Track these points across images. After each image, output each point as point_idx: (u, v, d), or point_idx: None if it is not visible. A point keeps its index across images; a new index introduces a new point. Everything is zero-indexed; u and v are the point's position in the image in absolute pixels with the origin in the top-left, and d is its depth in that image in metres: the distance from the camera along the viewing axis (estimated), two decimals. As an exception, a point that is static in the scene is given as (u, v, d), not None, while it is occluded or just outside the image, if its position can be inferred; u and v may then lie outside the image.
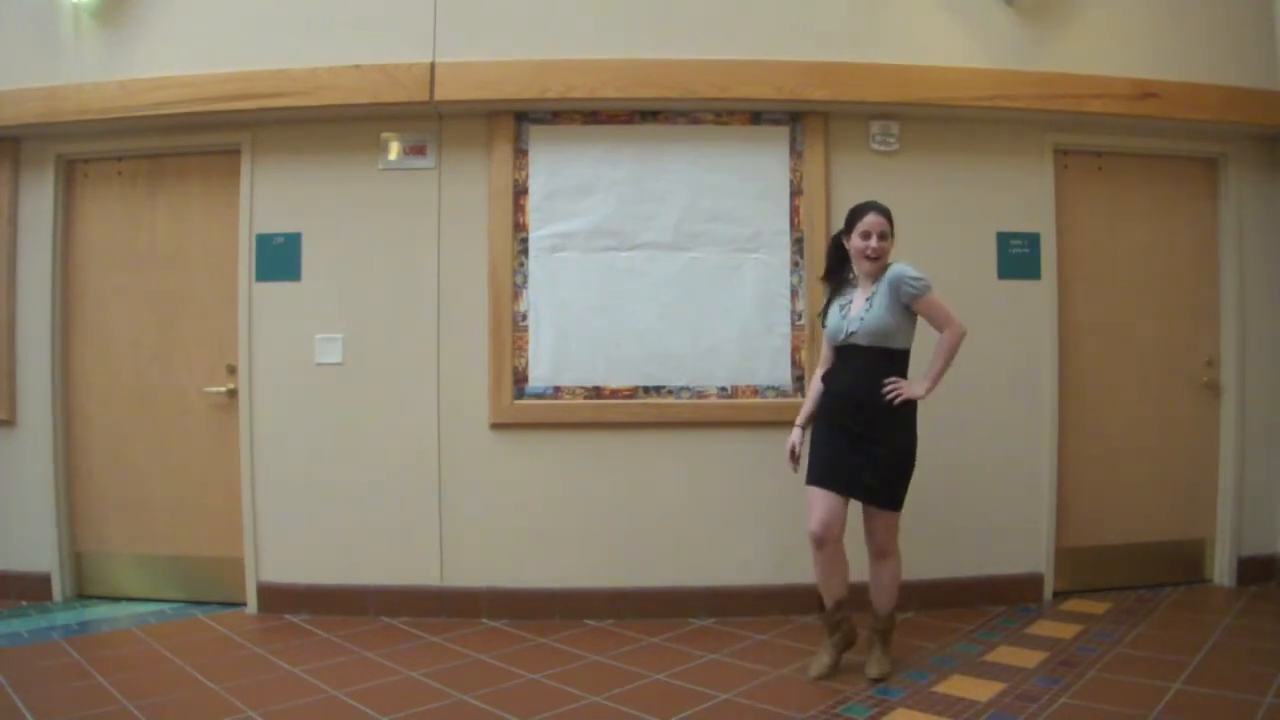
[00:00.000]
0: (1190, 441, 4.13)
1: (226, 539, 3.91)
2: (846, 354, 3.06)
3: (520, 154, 3.83)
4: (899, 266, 3.00)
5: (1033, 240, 3.93)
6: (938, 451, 3.83)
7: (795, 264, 3.84)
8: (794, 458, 3.20)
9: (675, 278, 3.82)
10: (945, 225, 3.88)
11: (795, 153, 3.85)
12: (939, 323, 2.99)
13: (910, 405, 3.00)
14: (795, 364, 3.83)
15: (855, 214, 3.07)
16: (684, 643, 3.44)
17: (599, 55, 3.68)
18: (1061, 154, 4.03)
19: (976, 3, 3.85)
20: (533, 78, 3.65)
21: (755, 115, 3.85)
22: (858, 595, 3.13)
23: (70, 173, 4.06)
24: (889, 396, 2.95)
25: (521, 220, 3.83)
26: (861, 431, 2.99)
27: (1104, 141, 4.04)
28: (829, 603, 3.06)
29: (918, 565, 3.80)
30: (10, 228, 3.98)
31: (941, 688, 2.95)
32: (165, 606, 3.93)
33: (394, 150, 3.85)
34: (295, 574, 3.83)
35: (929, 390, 3.00)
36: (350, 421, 3.82)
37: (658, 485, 3.79)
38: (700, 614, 3.75)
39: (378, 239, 3.84)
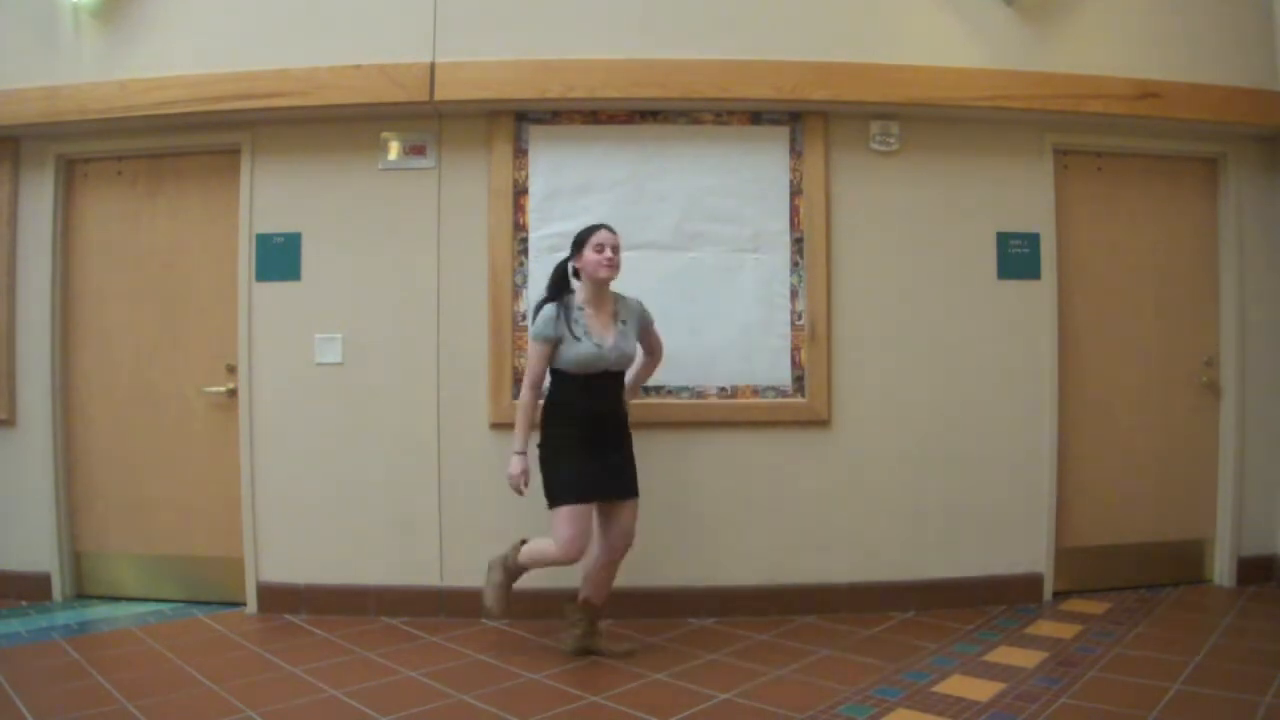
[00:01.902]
0: (1190, 441, 4.13)
1: (226, 539, 3.91)
2: (597, 379, 3.20)
3: (520, 154, 3.83)
4: (635, 299, 3.35)
5: (1033, 240, 3.93)
6: (938, 451, 3.85)
7: (795, 264, 3.84)
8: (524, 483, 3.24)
9: (675, 278, 3.81)
10: (945, 225, 3.89)
11: (795, 153, 3.85)
12: (653, 346, 3.47)
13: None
14: (795, 364, 3.83)
15: (587, 233, 3.25)
16: (684, 643, 3.44)
17: (599, 55, 3.68)
18: (1061, 154, 4.03)
19: (976, 3, 3.85)
20: (532, 78, 3.65)
21: (755, 115, 3.85)
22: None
23: (70, 173, 4.06)
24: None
25: (521, 220, 3.83)
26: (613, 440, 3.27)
27: (1104, 141, 4.04)
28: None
29: (918, 565, 3.82)
30: (10, 228, 3.98)
31: (941, 688, 2.95)
32: (165, 606, 3.93)
33: (394, 150, 3.85)
34: (295, 574, 3.83)
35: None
36: (350, 421, 3.81)
37: (657, 485, 3.77)
38: (700, 614, 3.75)
39: (378, 239, 3.84)
